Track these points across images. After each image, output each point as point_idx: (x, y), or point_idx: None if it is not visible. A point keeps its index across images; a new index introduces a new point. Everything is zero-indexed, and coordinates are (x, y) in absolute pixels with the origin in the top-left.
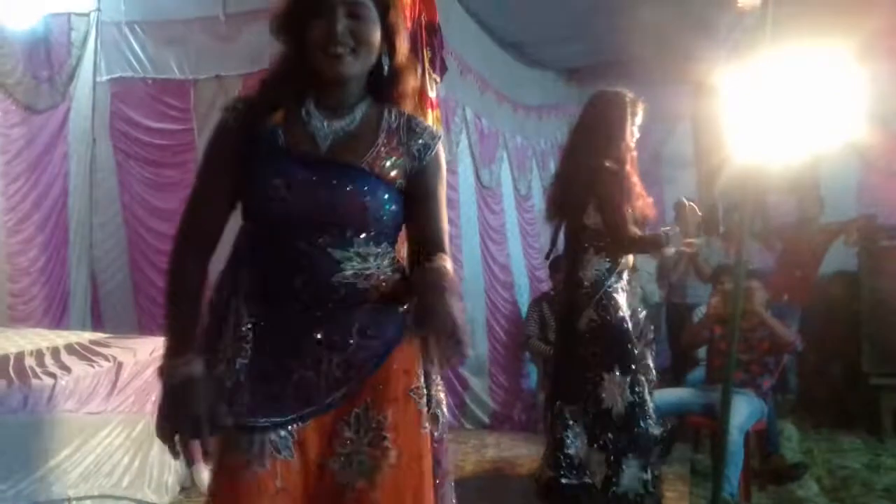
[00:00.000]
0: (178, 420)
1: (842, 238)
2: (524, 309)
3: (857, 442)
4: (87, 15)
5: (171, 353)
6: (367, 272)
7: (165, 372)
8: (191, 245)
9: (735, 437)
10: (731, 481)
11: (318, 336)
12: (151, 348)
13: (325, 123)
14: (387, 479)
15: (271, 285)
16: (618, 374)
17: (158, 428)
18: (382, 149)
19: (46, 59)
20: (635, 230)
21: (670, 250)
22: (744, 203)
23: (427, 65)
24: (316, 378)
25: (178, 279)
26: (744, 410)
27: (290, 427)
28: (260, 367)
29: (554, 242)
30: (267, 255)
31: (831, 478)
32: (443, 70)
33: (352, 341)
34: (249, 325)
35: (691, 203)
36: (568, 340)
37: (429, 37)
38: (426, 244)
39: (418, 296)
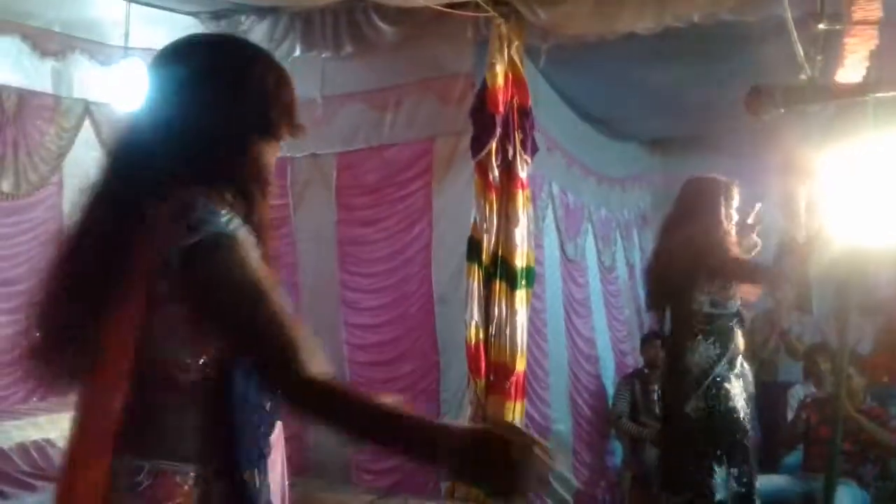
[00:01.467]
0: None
1: None
2: (608, 384)
3: None
4: None
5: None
6: None
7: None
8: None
9: None
10: None
11: None
12: None
13: None
14: None
15: None
16: (727, 465)
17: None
18: None
19: None
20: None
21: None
22: (843, 279)
23: (518, 146)
24: None
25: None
26: (846, 501)
27: None
28: None
29: (660, 329)
30: None
31: None
32: (534, 150)
33: None
34: None
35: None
36: (676, 429)
37: (521, 120)
38: None
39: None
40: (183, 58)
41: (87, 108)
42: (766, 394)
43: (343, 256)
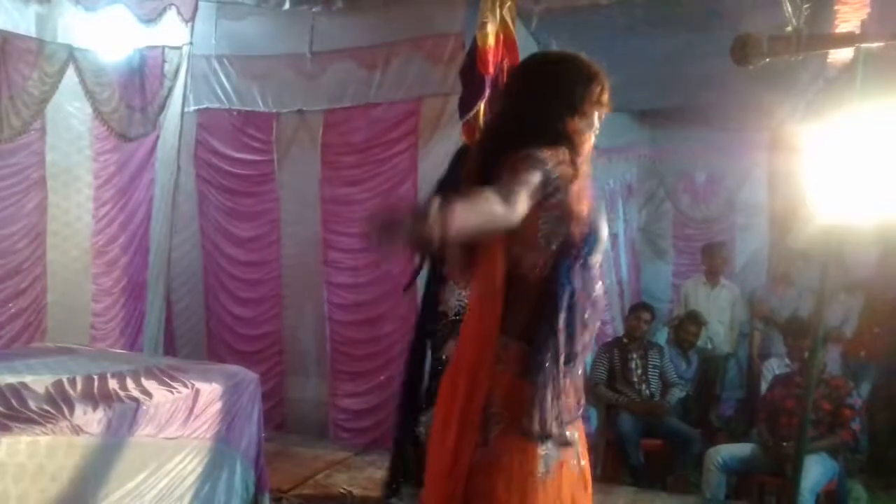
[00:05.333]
0: None
1: None
2: None
3: None
4: (180, 48)
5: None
6: None
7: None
8: None
9: (806, 499)
10: None
11: None
12: (227, 375)
13: None
14: None
15: None
16: None
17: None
18: None
19: (141, 89)
20: None
21: None
22: (824, 257)
23: None
24: None
25: None
26: (815, 471)
27: None
28: None
29: None
30: None
31: None
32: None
33: None
34: None
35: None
36: None
37: None
38: None
39: None
40: (536, 71)
41: (72, 54)
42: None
43: (327, 215)
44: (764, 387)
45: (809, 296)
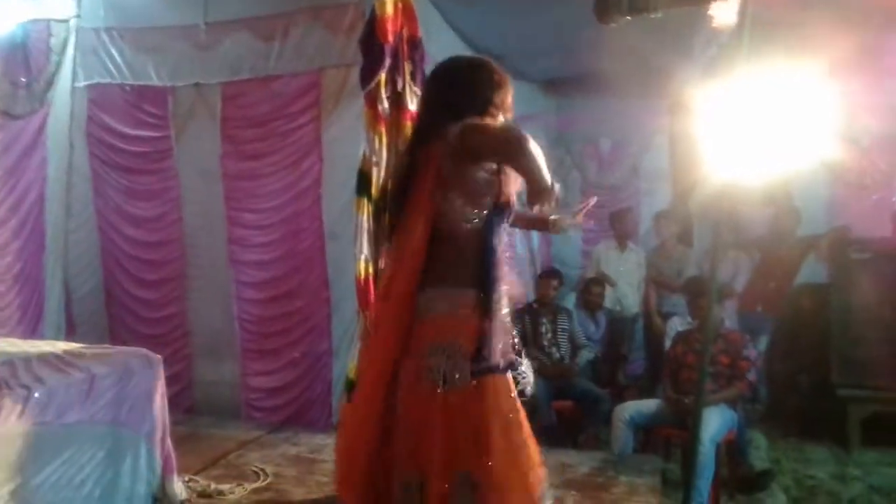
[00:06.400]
0: None
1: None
2: None
3: (824, 452)
4: (67, 21)
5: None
6: None
7: None
8: None
9: (706, 449)
10: (700, 492)
11: None
12: (126, 358)
13: None
14: None
15: None
16: None
17: None
18: None
19: (25, 64)
20: None
21: None
22: (717, 217)
23: (408, 78)
24: None
25: None
26: (715, 422)
27: None
28: None
29: None
30: None
31: (798, 488)
32: (423, 83)
33: None
34: None
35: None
36: None
37: (410, 51)
38: None
39: None
40: (455, 72)
41: None
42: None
43: (229, 192)
44: (668, 344)
45: (702, 255)
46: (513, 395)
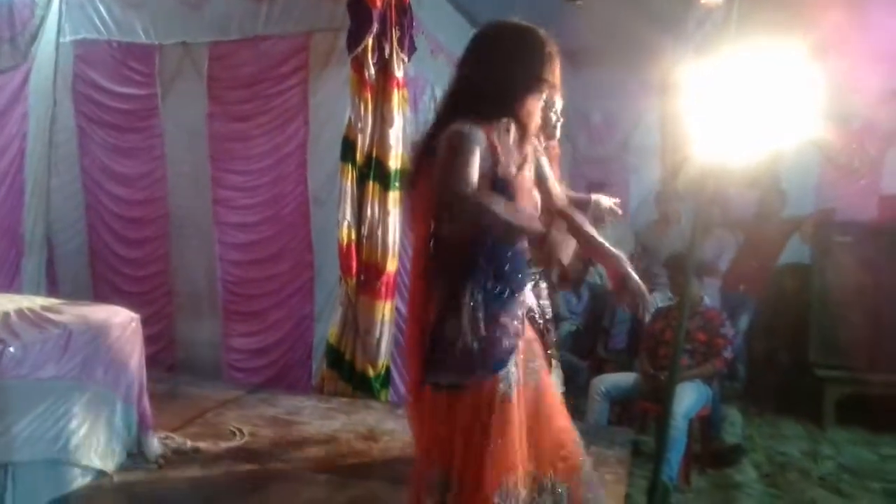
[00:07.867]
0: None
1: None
2: None
3: (798, 430)
4: None
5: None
6: None
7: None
8: None
9: (679, 423)
10: (671, 465)
11: None
12: (103, 315)
13: None
14: None
15: None
16: None
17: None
18: None
19: (9, 18)
20: None
21: None
22: (701, 196)
23: (395, 44)
24: None
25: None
26: (689, 397)
27: None
28: None
29: None
30: None
31: (770, 464)
32: (411, 50)
33: None
34: None
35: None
36: None
37: (398, 17)
38: None
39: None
40: (495, 38)
41: None
42: None
43: (215, 153)
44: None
45: (687, 234)
46: (492, 401)
